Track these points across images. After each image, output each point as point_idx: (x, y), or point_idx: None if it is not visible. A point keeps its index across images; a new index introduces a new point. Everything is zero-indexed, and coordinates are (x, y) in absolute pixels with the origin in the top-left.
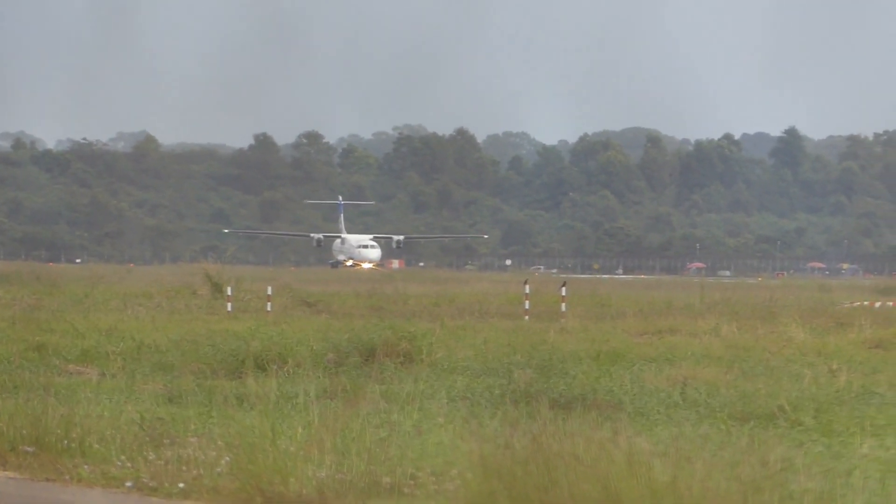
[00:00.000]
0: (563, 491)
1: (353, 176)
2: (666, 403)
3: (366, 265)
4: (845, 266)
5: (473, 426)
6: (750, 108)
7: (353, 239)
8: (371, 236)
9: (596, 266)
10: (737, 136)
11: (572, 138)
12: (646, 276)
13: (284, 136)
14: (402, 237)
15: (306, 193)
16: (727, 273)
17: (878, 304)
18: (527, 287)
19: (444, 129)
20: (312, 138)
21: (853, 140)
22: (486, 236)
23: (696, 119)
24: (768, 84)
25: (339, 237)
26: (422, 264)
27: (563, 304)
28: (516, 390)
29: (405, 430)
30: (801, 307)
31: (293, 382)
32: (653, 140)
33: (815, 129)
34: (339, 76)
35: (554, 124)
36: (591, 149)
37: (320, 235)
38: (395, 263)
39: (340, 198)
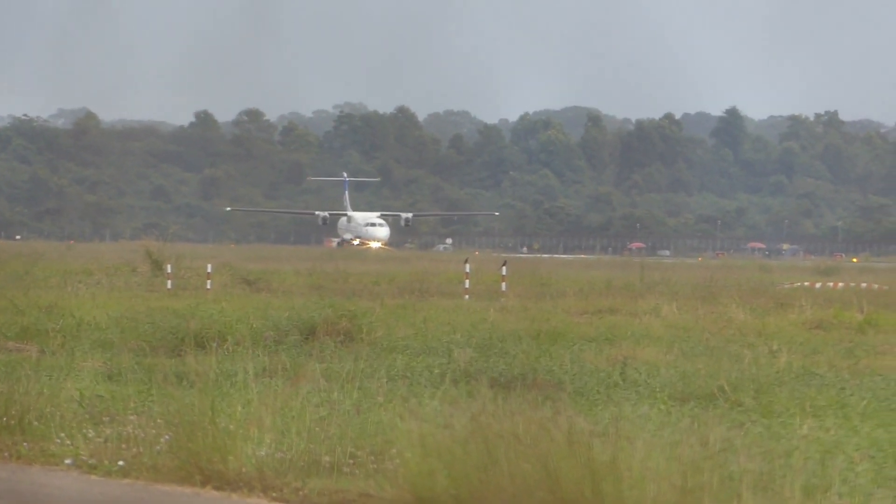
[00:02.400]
0: (502, 470)
1: (293, 154)
2: (606, 383)
3: (374, 244)
4: (786, 246)
5: (413, 405)
6: (691, 87)
7: (360, 217)
8: (378, 214)
9: (536, 246)
10: (678, 116)
11: (513, 117)
12: (586, 256)
13: (225, 113)
14: (410, 215)
15: (247, 171)
16: (667, 253)
17: (818, 285)
18: (467, 266)
19: (385, 107)
20: (253, 116)
21: (794, 120)
22: (496, 213)
23: (636, 98)
24: (709, 64)
25: (345, 215)
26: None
27: (504, 284)
28: (456, 369)
29: (345, 409)
30: (741, 287)
31: (233, 360)
32: (593, 119)
33: (756, 109)
34: (280, 54)
35: (495, 103)
36: (532, 128)
37: (325, 213)
38: (335, 243)
39: (345, 174)
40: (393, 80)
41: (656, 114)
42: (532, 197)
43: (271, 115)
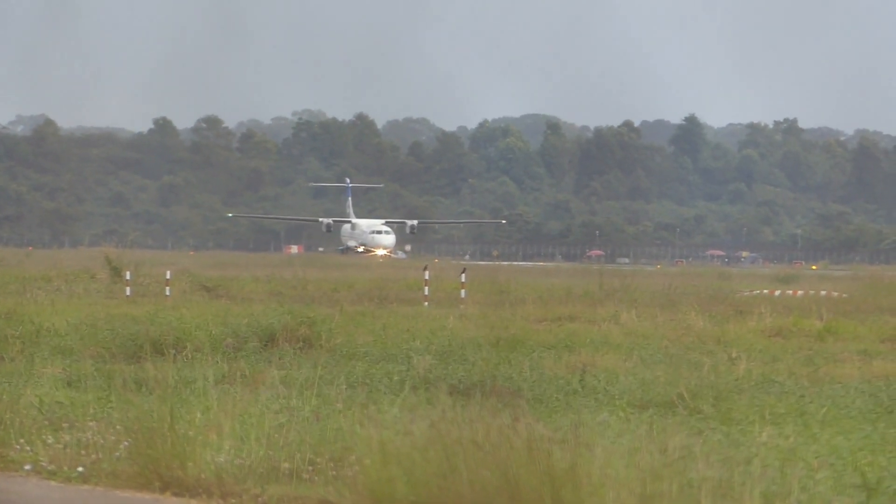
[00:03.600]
0: (462, 477)
1: (252, 161)
2: (565, 390)
3: (379, 252)
4: (745, 254)
5: (372, 412)
6: (649, 95)
7: (365, 224)
8: (383, 221)
9: (496, 253)
10: (636, 124)
11: (472, 124)
12: (545, 263)
13: (184, 120)
14: (415, 222)
15: (206, 178)
16: (626, 260)
17: (777, 293)
18: (426, 273)
19: (344, 114)
20: (212, 123)
21: (753, 128)
22: (503, 221)
23: (595, 106)
24: (668, 71)
25: (350, 222)
26: (321, 249)
27: (463, 291)
28: (415, 376)
29: (304, 416)
30: (700, 295)
31: (192, 367)
32: (552, 127)
33: (715, 116)
34: (239, 61)
35: (454, 110)
36: (491, 135)
37: (329, 220)
38: (294, 248)
39: (348, 180)
40: (352, 87)
41: (615, 121)
42: (491, 204)
43: (230, 122)
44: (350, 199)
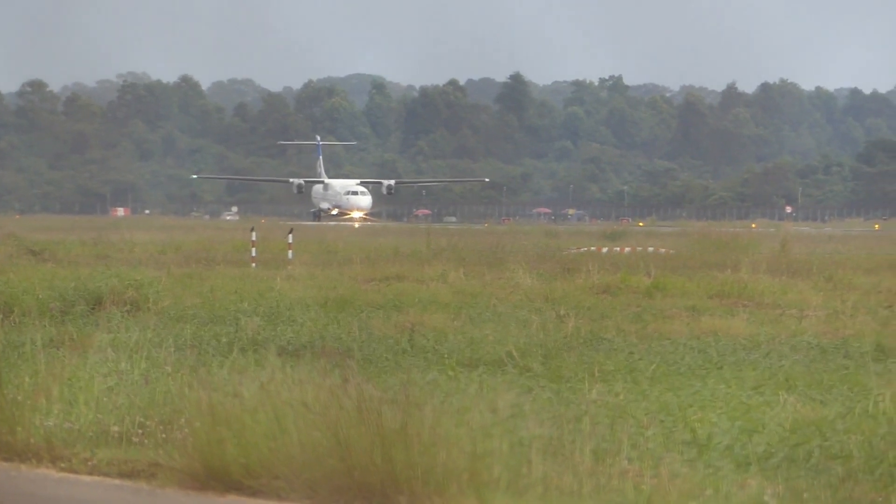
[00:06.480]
0: (292, 438)
1: (77, 124)
2: (394, 350)
3: (355, 214)
4: (571, 211)
5: (201, 374)
6: (475, 53)
7: (339, 184)
8: (358, 181)
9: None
10: (462, 82)
11: (297, 85)
12: (373, 223)
13: (8, 84)
14: (392, 182)
15: (31, 142)
16: (453, 219)
17: (605, 250)
18: (253, 234)
19: (169, 76)
20: (36, 86)
21: (578, 85)
22: (486, 180)
23: (421, 65)
24: (492, 29)
25: (322, 182)
26: (147, 212)
27: (290, 252)
28: (244, 338)
29: (133, 379)
30: (527, 253)
31: (19, 331)
32: (377, 86)
33: (540, 74)
34: (62, 24)
35: (278, 71)
36: (316, 95)
37: (301, 181)
38: (121, 211)
39: (318, 138)
40: (176, 48)
41: (440, 80)
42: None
43: (55, 85)
44: (321, 158)
